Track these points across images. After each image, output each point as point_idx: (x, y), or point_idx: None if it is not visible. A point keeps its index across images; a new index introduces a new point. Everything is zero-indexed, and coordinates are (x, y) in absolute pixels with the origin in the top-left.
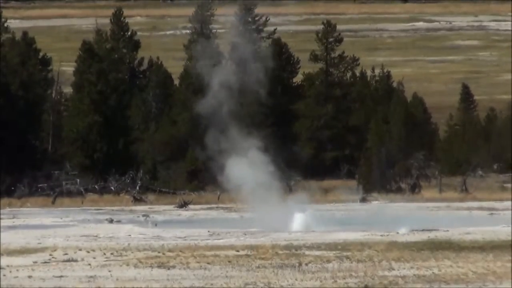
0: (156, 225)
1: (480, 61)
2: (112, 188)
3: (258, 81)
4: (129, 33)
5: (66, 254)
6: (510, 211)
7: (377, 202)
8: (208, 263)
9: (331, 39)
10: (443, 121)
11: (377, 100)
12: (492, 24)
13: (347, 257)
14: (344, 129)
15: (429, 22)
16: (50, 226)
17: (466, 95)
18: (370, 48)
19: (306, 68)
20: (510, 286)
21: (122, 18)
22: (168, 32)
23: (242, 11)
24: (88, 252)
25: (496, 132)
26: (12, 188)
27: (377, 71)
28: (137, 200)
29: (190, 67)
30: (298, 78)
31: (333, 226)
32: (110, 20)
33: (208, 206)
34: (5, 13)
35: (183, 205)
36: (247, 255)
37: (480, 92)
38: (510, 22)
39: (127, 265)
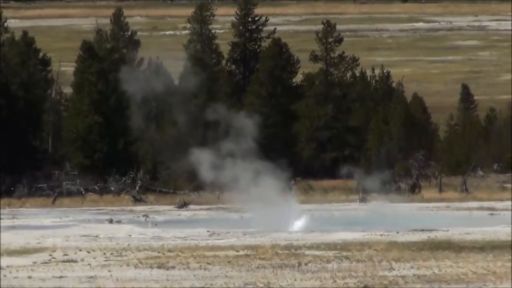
0: (156, 225)
1: (480, 61)
2: (112, 188)
3: None
4: (129, 33)
5: (66, 254)
6: (510, 211)
7: (377, 202)
8: (208, 264)
9: (331, 39)
10: (443, 121)
11: (377, 100)
12: (492, 24)
13: (347, 257)
14: (344, 129)
15: (429, 22)
16: (50, 226)
17: (466, 95)
18: (370, 48)
19: (306, 68)
20: (510, 286)
21: (122, 18)
22: (168, 32)
23: (242, 11)
24: (88, 252)
25: (496, 132)
26: (12, 188)
27: (377, 71)
28: (137, 200)
29: (189, 67)
30: (298, 78)
31: (333, 226)
32: (110, 20)
33: (208, 206)
34: (5, 13)
35: (183, 205)
36: (247, 255)
37: (480, 92)
38: (510, 22)
39: (127, 265)
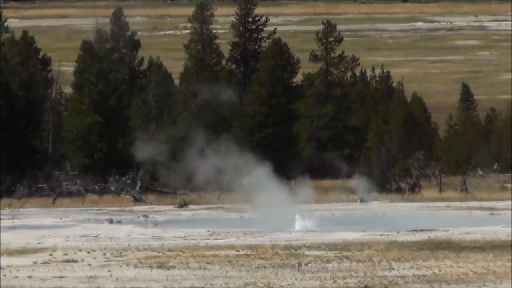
0: (156, 225)
1: (480, 61)
2: (112, 188)
3: None
4: (129, 33)
5: (66, 254)
6: (510, 211)
7: (377, 202)
8: (208, 263)
9: (331, 39)
10: (443, 121)
11: (377, 100)
12: (492, 24)
13: (347, 257)
14: (344, 129)
15: (429, 22)
16: (50, 227)
17: (466, 95)
18: (370, 48)
19: (306, 68)
20: (510, 286)
21: (122, 18)
22: (168, 32)
23: (242, 11)
24: (88, 252)
25: (496, 132)
26: (12, 188)
27: (377, 71)
28: (137, 201)
29: (190, 67)
30: (298, 78)
31: (333, 226)
32: (110, 20)
33: (208, 206)
34: (5, 13)
35: (183, 205)
36: (247, 255)
37: (480, 92)
38: (510, 22)
39: (127, 265)
